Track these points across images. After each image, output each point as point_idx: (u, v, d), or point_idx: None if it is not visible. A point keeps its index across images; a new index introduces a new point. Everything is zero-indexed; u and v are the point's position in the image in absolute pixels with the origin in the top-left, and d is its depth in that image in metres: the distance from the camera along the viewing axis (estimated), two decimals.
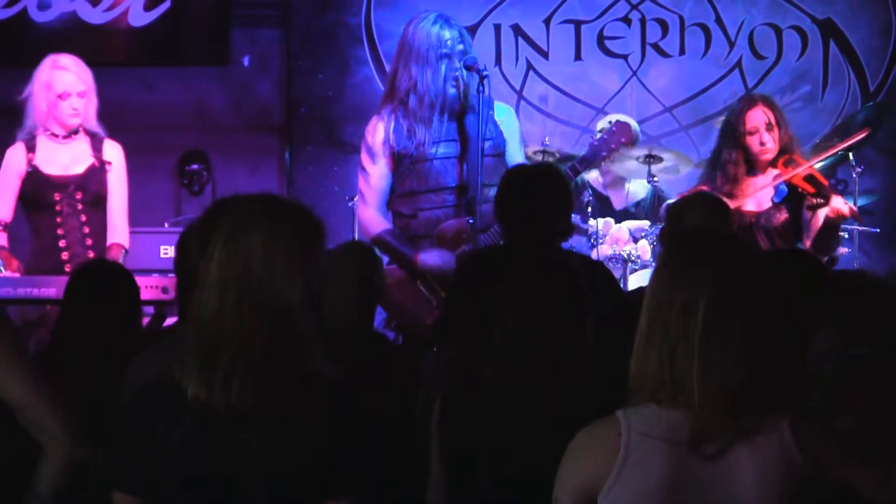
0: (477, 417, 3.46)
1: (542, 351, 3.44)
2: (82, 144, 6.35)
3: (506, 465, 3.42)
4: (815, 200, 6.29)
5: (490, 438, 3.44)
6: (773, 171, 6.39)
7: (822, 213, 6.26)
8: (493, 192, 5.46)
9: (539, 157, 7.55)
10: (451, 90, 5.75)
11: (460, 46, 5.79)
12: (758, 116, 6.39)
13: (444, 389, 3.76)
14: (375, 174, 5.87)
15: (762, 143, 6.36)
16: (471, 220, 5.67)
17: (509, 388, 3.44)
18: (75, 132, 6.33)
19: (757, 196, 6.37)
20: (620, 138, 6.31)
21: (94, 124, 6.36)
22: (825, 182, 6.40)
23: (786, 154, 6.41)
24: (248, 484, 2.79)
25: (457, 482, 3.49)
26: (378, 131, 5.85)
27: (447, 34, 5.77)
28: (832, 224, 6.24)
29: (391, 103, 5.86)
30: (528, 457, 3.39)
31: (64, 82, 6.25)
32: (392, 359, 4.27)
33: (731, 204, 6.38)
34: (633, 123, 7.54)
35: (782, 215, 6.34)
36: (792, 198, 6.33)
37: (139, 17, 8.68)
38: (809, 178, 6.33)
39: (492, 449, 3.42)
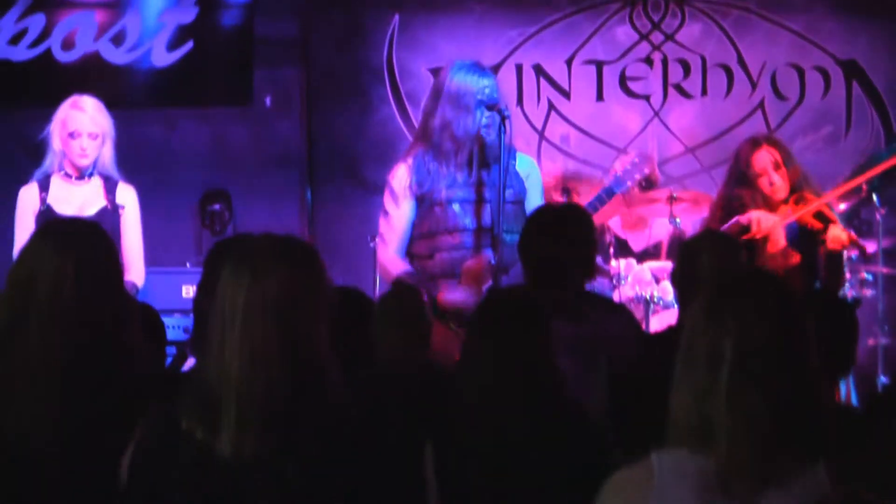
0: (467, 459, 3.46)
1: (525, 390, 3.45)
2: (96, 187, 6.36)
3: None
4: (821, 236, 6.31)
5: (480, 479, 3.44)
6: (785, 211, 6.40)
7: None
8: (511, 238, 5.48)
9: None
10: (492, 136, 5.75)
11: (496, 89, 5.82)
12: (763, 158, 6.43)
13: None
14: (398, 217, 5.87)
15: (771, 184, 6.38)
16: (493, 262, 5.67)
17: (497, 428, 3.45)
18: (90, 174, 6.34)
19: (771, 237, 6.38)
20: (643, 168, 6.33)
21: (109, 168, 6.37)
22: (833, 216, 6.39)
23: (797, 192, 6.42)
24: None
25: None
26: (402, 175, 5.85)
27: (485, 82, 5.79)
28: (834, 254, 6.26)
29: (422, 145, 5.86)
30: (520, 496, 3.38)
31: (77, 121, 6.27)
32: None
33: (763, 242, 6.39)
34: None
35: (794, 256, 6.34)
36: (804, 238, 6.32)
37: (162, 58, 8.71)
38: (818, 215, 6.34)
39: (484, 489, 3.42)
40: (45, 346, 3.16)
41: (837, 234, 6.29)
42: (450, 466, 3.53)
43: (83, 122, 6.28)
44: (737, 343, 2.65)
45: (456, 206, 5.80)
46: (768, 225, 6.32)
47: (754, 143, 6.60)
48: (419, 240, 5.88)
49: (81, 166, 6.31)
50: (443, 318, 5.72)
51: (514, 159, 5.89)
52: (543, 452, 3.45)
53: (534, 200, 5.93)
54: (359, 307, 4.41)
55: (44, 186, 6.33)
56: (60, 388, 3.15)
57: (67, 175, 6.34)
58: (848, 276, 7.06)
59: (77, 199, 6.32)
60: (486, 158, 5.80)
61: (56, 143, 6.32)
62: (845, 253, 6.58)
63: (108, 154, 6.36)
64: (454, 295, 5.70)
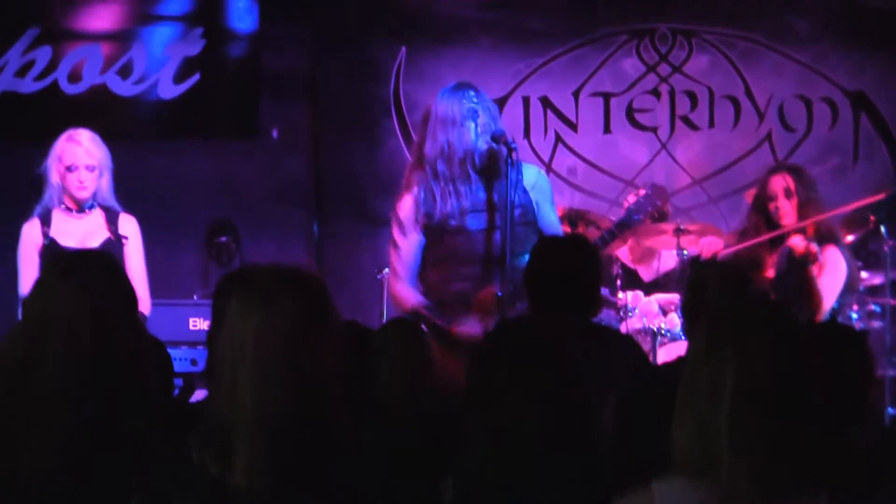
0: (480, 493, 3.44)
1: (544, 426, 3.43)
2: (97, 219, 6.35)
3: None
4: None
5: None
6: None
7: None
8: (522, 261, 5.46)
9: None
10: (483, 145, 5.75)
11: (485, 103, 5.82)
12: (777, 183, 6.49)
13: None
14: (406, 248, 5.87)
15: (777, 209, 6.42)
16: (499, 293, 5.65)
17: (513, 466, 3.43)
18: (90, 206, 6.33)
19: (774, 263, 6.41)
20: (656, 201, 6.31)
21: (108, 199, 6.36)
22: (810, 232, 6.41)
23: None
24: None
25: None
26: (408, 205, 5.85)
27: (468, 93, 5.81)
28: (797, 261, 6.28)
29: (420, 173, 5.86)
30: None
31: (73, 155, 6.27)
32: None
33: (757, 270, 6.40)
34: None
35: (789, 281, 6.36)
36: (795, 268, 6.33)
37: (168, 90, 8.74)
38: (798, 230, 6.38)
39: None
40: (60, 381, 3.15)
41: (796, 242, 6.33)
42: (465, 500, 3.51)
43: (80, 156, 6.28)
44: (737, 373, 2.63)
45: (467, 236, 5.80)
46: (713, 249, 6.47)
47: (774, 168, 6.74)
48: (432, 267, 5.87)
49: (81, 199, 6.30)
50: (451, 345, 5.71)
51: (521, 174, 5.88)
52: (554, 482, 3.44)
53: (545, 210, 5.92)
54: (359, 340, 4.40)
55: (45, 221, 6.32)
56: (73, 423, 3.14)
57: (68, 209, 6.33)
58: (856, 307, 7.04)
59: (79, 231, 6.32)
60: (493, 183, 5.79)
61: (54, 177, 6.31)
62: (835, 278, 6.50)
63: (106, 185, 6.36)
64: (468, 328, 5.68)
